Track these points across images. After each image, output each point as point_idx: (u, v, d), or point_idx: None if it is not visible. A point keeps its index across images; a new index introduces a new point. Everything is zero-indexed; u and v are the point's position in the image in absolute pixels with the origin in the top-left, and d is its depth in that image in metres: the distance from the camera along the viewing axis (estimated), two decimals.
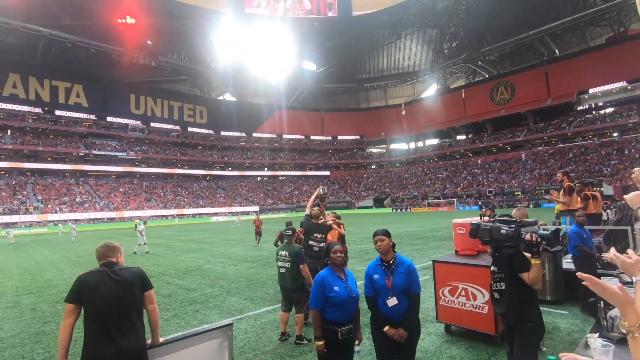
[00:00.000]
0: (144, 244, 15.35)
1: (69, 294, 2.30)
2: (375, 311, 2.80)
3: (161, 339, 2.59)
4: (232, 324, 3.03)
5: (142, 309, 2.47)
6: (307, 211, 5.62)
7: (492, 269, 2.92)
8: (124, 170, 55.57)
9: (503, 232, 2.68)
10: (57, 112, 52.47)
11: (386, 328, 2.71)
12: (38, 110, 50.90)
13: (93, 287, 2.31)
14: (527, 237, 2.61)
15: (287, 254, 4.42)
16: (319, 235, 5.46)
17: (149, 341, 2.52)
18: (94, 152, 53.82)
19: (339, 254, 2.84)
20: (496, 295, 2.88)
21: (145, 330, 2.47)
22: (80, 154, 52.66)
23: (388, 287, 2.73)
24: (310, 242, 5.41)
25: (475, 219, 5.22)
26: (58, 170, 50.46)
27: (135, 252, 14.94)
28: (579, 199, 6.96)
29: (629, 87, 48.11)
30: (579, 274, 1.14)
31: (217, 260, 12.30)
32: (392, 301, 2.72)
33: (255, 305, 6.37)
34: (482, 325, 4.17)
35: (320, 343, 2.71)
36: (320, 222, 5.51)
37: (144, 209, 49.06)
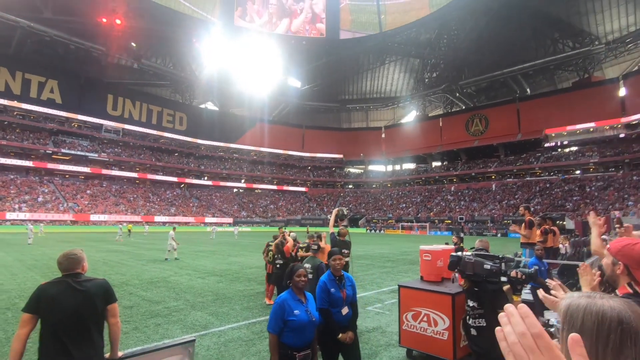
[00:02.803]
0: (173, 250, 15.29)
1: (28, 304, 2.24)
2: (331, 321, 3.06)
3: (120, 353, 2.54)
4: (194, 340, 3.00)
5: (103, 323, 2.43)
6: (331, 230, 6.57)
7: (470, 304, 2.81)
8: (93, 172, 53.37)
9: (487, 267, 2.63)
10: (27, 107, 49.99)
11: (340, 335, 3.06)
12: (6, 102, 48.40)
13: (53, 297, 2.25)
14: (513, 273, 2.61)
15: (309, 266, 4.91)
16: (345, 251, 6.13)
17: (107, 355, 2.48)
18: (63, 150, 51.50)
19: (302, 278, 2.86)
20: (473, 332, 2.76)
21: (104, 344, 2.43)
22: (47, 151, 50.28)
23: (343, 299, 3.16)
24: None
25: (441, 246, 5.44)
26: (21, 167, 47.80)
27: (166, 259, 15.10)
28: (538, 232, 7.37)
29: (591, 129, 51.62)
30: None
31: (185, 272, 11.96)
32: (345, 310, 3.18)
33: (220, 322, 6.25)
34: (441, 351, 4.29)
35: None
36: (344, 239, 6.41)
37: (112, 213, 47.09)
